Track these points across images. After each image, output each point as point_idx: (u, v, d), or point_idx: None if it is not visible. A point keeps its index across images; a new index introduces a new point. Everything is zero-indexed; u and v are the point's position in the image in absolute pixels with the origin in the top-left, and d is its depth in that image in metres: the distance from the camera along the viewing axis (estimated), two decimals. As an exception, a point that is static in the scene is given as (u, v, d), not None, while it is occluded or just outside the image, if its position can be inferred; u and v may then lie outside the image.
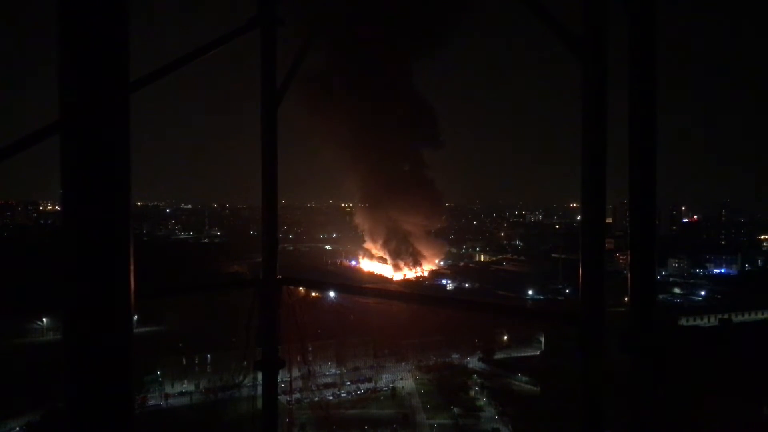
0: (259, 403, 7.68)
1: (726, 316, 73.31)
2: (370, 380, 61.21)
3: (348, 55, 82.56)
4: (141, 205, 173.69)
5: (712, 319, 72.21)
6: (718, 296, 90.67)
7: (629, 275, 4.75)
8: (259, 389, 7.71)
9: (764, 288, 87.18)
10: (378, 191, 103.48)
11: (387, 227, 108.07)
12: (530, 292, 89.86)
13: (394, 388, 59.60)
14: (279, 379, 7.80)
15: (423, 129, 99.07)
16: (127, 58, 2.23)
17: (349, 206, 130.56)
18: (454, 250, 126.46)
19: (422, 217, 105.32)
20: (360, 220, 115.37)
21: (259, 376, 7.67)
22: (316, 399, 52.88)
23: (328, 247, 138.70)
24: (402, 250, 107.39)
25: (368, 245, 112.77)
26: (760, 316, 76.85)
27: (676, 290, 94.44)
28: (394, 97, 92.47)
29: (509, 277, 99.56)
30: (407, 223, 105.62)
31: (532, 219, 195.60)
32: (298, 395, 46.01)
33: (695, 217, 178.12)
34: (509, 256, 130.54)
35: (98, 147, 2.17)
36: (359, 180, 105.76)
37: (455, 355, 66.57)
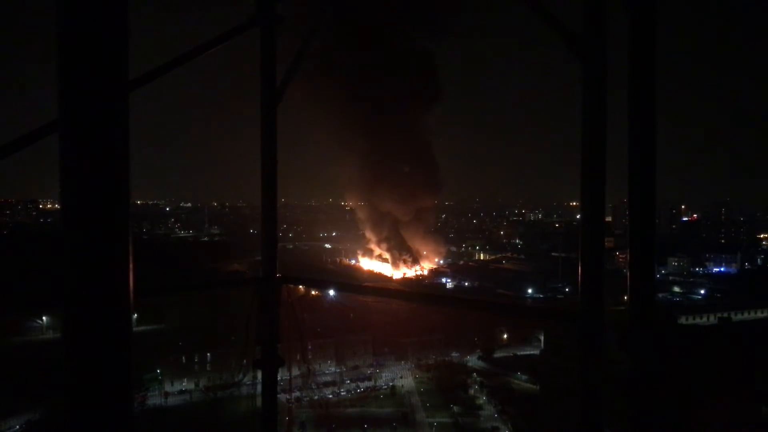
0: (259, 402, 7.68)
1: (726, 314, 73.35)
2: (369, 379, 61.26)
3: (344, 36, 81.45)
4: (141, 203, 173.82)
5: (712, 318, 72.24)
6: (718, 295, 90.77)
7: (629, 274, 4.74)
8: (259, 388, 7.71)
9: (764, 286, 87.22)
10: (373, 181, 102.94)
11: (385, 223, 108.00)
12: (530, 291, 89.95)
13: (393, 387, 59.64)
14: (278, 378, 7.81)
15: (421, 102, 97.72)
16: (126, 56, 2.22)
17: (348, 205, 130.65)
18: (453, 249, 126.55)
19: (415, 199, 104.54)
20: (360, 215, 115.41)
21: (259, 374, 7.67)
22: (316, 397, 52.98)
23: (327, 245, 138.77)
24: (397, 246, 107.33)
25: (371, 245, 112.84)
26: (759, 314, 76.90)
27: (676, 289, 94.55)
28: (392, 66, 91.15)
29: (509, 276, 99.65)
30: (401, 212, 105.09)
31: (532, 218, 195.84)
32: (297, 394, 46.18)
33: (695, 215, 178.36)
34: (509, 254, 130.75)
35: (97, 145, 2.17)
36: (355, 168, 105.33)
37: (455, 354, 66.66)
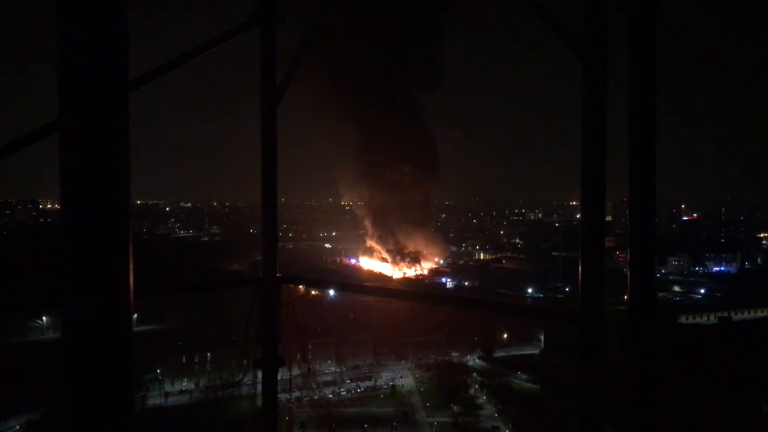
0: (259, 402, 7.68)
1: (726, 314, 73.38)
2: (369, 378, 61.28)
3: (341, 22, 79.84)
4: (141, 203, 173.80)
5: (712, 317, 72.24)
6: (718, 294, 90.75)
7: (629, 273, 4.74)
8: (259, 387, 7.71)
9: (764, 286, 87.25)
10: (368, 172, 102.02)
11: (384, 221, 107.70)
12: (530, 290, 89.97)
13: (393, 386, 59.65)
14: (279, 378, 7.81)
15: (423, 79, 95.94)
16: (126, 56, 2.22)
17: (348, 204, 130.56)
18: (453, 249, 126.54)
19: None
20: (360, 213, 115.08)
21: (259, 374, 7.67)
22: (316, 397, 52.94)
23: (327, 245, 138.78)
24: (397, 245, 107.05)
25: (370, 243, 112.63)
26: (759, 314, 76.92)
27: (676, 288, 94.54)
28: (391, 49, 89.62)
29: (509, 276, 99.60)
30: (395, 203, 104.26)
31: (532, 217, 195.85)
32: (298, 393, 46.15)
33: (695, 215, 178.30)
34: (509, 254, 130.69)
35: (98, 145, 2.17)
36: (350, 159, 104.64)
37: (455, 354, 66.65)
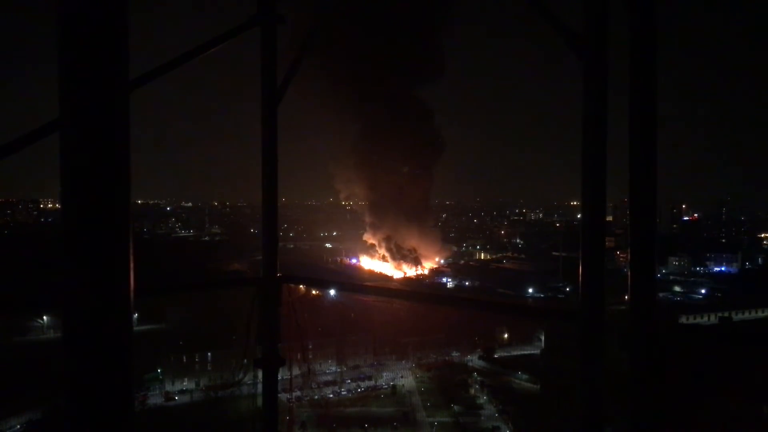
0: (260, 401, 7.69)
1: (726, 314, 73.32)
2: (370, 378, 61.24)
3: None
4: (141, 203, 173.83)
5: (713, 318, 72.17)
6: (719, 294, 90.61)
7: (629, 273, 4.74)
8: (260, 387, 7.71)
9: (765, 286, 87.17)
10: (365, 162, 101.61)
11: (384, 218, 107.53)
12: (530, 290, 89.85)
13: (394, 386, 59.62)
14: (279, 377, 7.81)
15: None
16: (127, 56, 2.22)
17: (348, 204, 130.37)
18: (454, 248, 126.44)
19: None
20: (359, 210, 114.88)
21: (260, 374, 7.67)
22: (317, 397, 53.03)
23: (328, 245, 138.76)
24: (397, 244, 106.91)
25: (371, 241, 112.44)
26: (760, 314, 76.86)
27: (677, 288, 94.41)
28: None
29: (509, 275, 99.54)
30: (388, 191, 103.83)
31: (533, 217, 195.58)
32: (298, 393, 46.20)
33: (696, 215, 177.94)
34: (509, 254, 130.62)
35: (98, 145, 2.17)
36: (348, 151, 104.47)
37: (455, 353, 66.62)
